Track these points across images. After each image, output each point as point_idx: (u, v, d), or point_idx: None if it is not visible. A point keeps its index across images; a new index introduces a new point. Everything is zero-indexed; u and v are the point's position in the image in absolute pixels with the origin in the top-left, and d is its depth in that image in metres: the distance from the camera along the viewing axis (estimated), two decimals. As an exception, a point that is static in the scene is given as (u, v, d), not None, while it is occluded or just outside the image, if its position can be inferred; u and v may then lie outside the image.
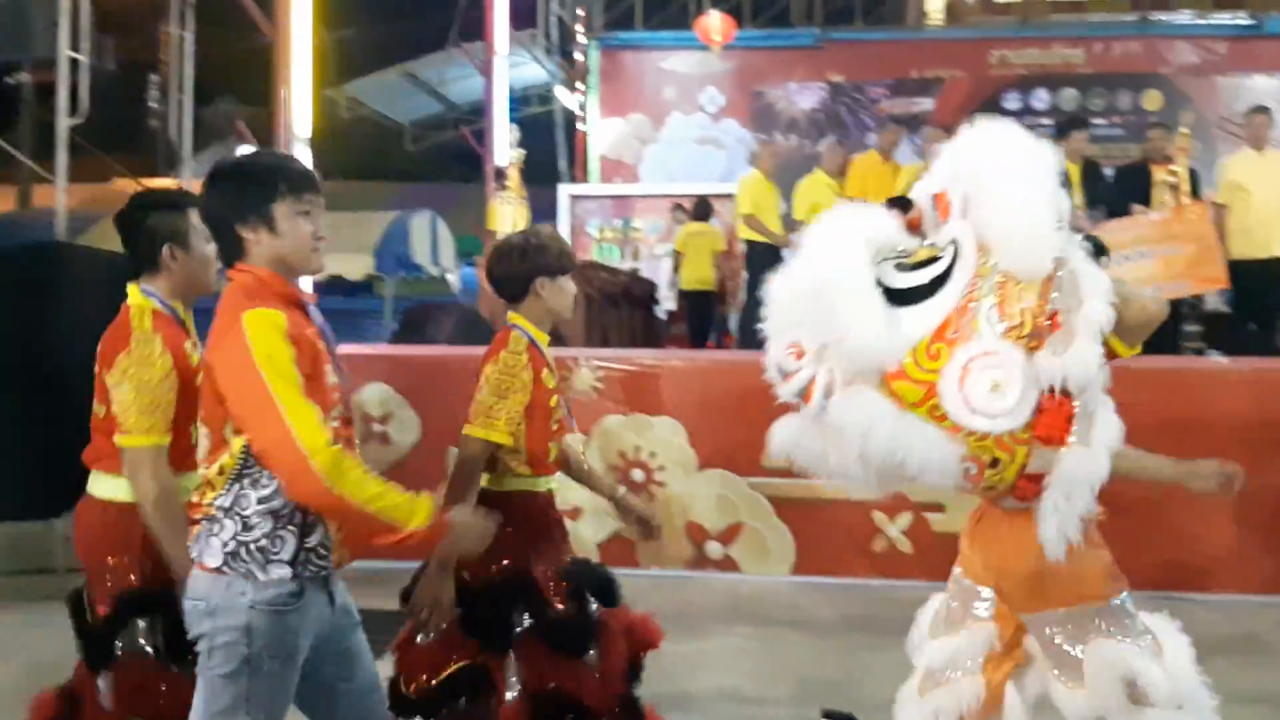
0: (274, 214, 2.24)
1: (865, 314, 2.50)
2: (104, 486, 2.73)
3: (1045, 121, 11.81)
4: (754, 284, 9.05)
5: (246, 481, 2.20)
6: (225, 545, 2.20)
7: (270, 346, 2.12)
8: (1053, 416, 2.47)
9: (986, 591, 2.78)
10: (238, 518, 2.20)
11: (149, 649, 2.65)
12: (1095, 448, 2.52)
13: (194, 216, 2.68)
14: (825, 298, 2.54)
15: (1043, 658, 2.73)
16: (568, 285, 3.03)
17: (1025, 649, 2.78)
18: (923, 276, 2.57)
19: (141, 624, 2.66)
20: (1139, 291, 2.77)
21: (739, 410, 6.03)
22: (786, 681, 3.26)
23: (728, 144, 13.43)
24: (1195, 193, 7.93)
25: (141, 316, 2.66)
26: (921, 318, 2.52)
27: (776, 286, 2.66)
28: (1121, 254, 7.51)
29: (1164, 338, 7.64)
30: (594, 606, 2.99)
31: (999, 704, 2.77)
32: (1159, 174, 7.87)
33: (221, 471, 2.22)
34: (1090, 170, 8.20)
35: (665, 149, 13.99)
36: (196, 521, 2.27)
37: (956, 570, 2.88)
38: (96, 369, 2.70)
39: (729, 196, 9.76)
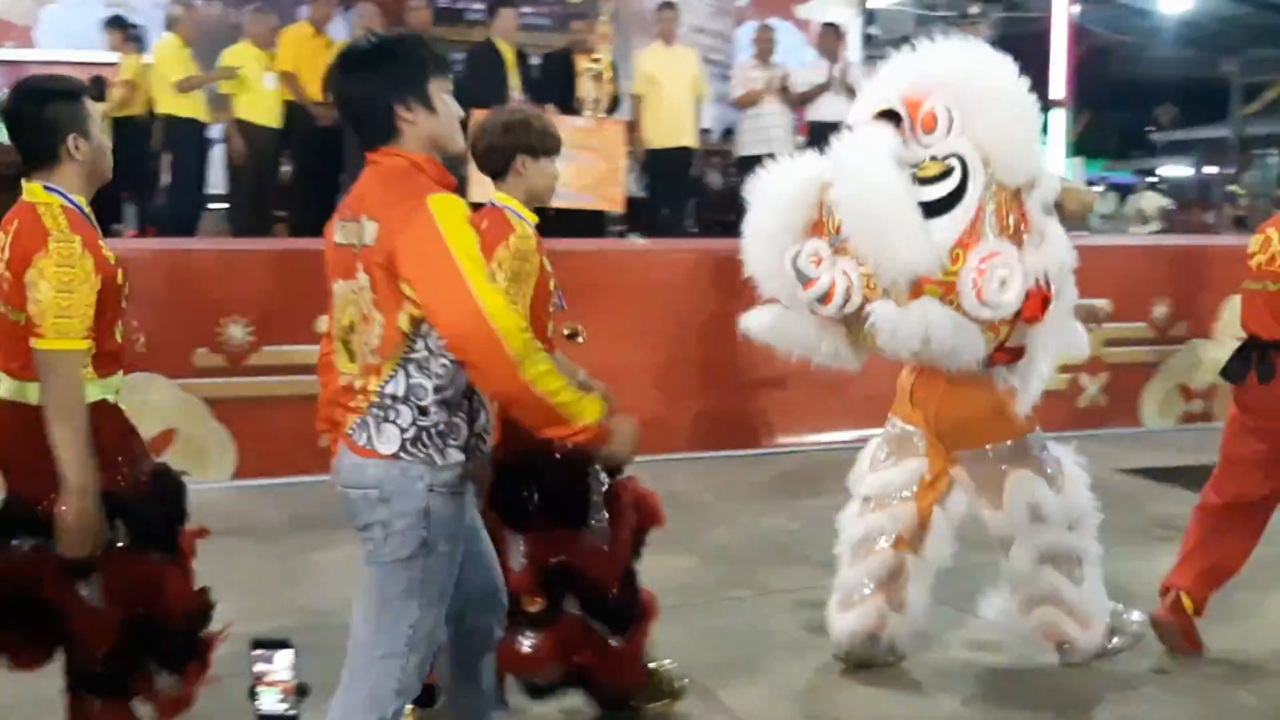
0: (429, 92, 2.21)
1: (915, 233, 2.91)
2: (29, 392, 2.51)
3: (476, 5, 11.88)
4: (178, 165, 8.22)
5: (414, 368, 2.17)
6: (404, 431, 2.17)
7: (460, 231, 2.08)
8: (1035, 301, 2.96)
9: (918, 433, 3.43)
10: (414, 404, 2.18)
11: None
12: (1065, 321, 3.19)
13: (89, 103, 2.59)
14: (875, 218, 2.91)
15: (970, 485, 3.41)
16: (549, 167, 3.00)
17: (951, 478, 3.44)
18: (942, 189, 2.96)
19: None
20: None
21: (166, 306, 5.48)
22: (232, 595, 2.98)
23: (141, 7, 11.95)
24: (615, 80, 8.40)
25: (54, 215, 2.48)
26: (948, 227, 2.94)
27: (773, 194, 3.12)
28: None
29: (593, 222, 8.13)
30: (604, 478, 3.02)
31: (928, 523, 3.44)
32: (583, 63, 8.22)
33: (390, 358, 2.16)
34: (520, 57, 8.34)
35: (65, 10, 12.15)
36: (351, 409, 2.21)
37: (892, 417, 3.53)
38: (5, 272, 2.50)
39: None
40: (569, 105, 8.01)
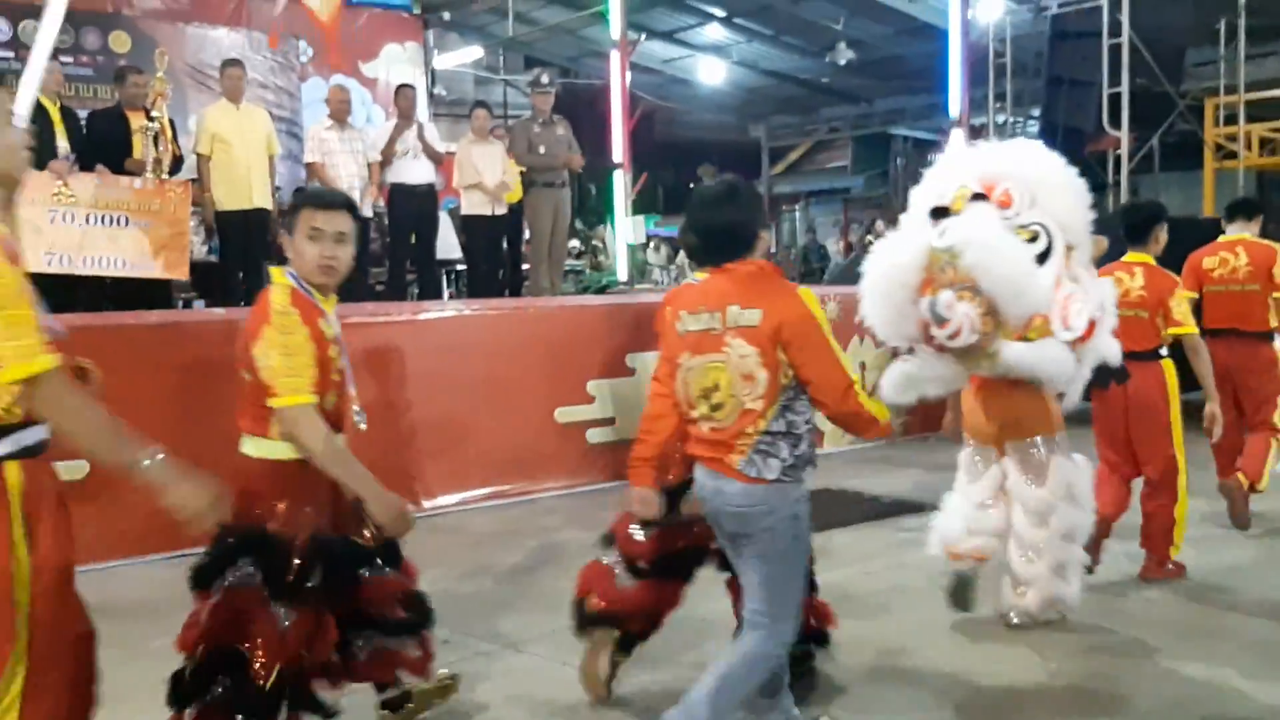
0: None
1: (1040, 280, 3.92)
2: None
3: (3, 54, 10.69)
4: None
5: (788, 411, 3.00)
6: (784, 461, 2.99)
7: (819, 312, 3.00)
8: (1091, 325, 4.05)
9: (986, 450, 4.46)
10: (790, 439, 3.00)
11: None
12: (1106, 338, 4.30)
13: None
14: (1010, 273, 3.83)
15: (1017, 468, 4.36)
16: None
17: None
18: (1037, 249, 3.95)
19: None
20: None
21: None
22: None
23: None
24: (175, 140, 7.85)
25: None
26: (1047, 274, 3.95)
27: (891, 262, 4.01)
28: (96, 213, 7.10)
29: (160, 291, 7.51)
30: None
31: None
32: (137, 121, 7.62)
33: (773, 403, 2.97)
34: (66, 113, 7.58)
35: None
36: (736, 450, 3.00)
37: (966, 436, 4.55)
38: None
39: None
40: (122, 167, 7.40)
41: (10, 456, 2.23)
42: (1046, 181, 4.10)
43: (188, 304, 8.74)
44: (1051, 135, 10.13)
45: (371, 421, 6.15)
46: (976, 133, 10.89)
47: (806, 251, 23.18)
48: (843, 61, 16.09)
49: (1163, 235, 5.16)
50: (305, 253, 3.06)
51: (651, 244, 20.11)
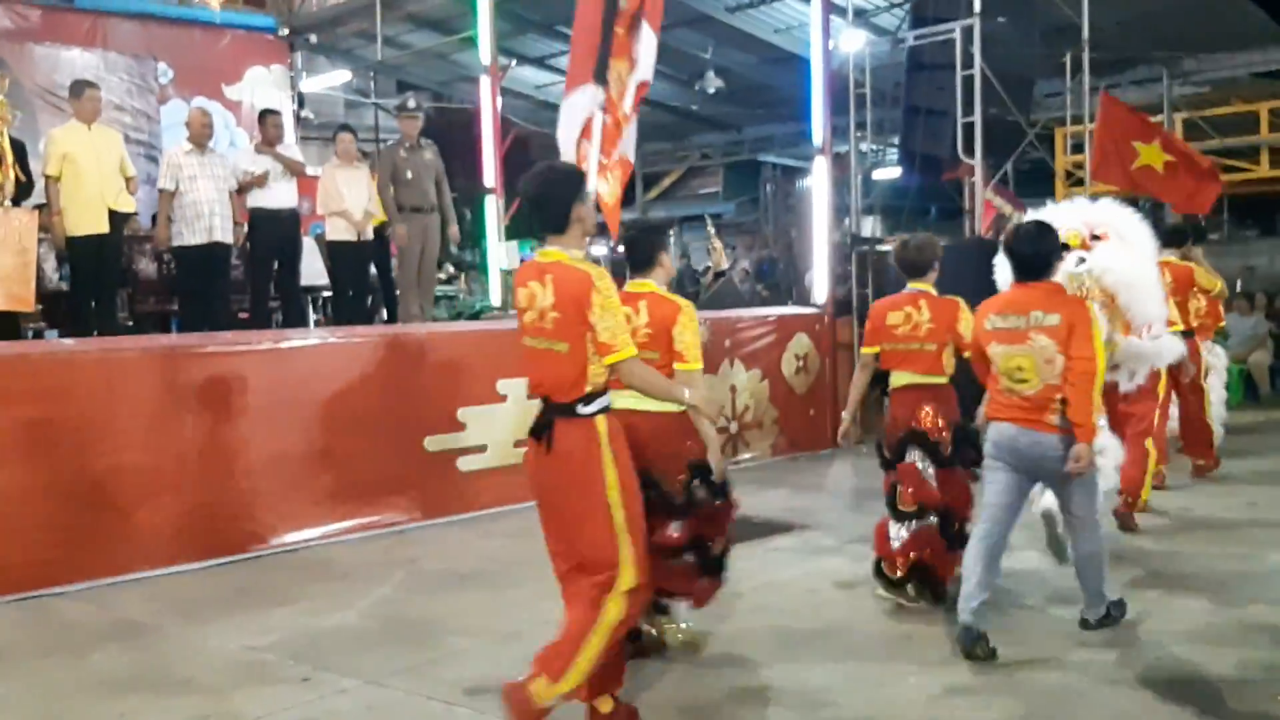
0: None
1: (1158, 295, 5.84)
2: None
3: None
4: None
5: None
6: (1064, 416, 4.42)
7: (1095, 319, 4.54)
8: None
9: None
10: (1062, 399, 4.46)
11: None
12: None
13: None
14: (1145, 290, 5.67)
15: None
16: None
17: None
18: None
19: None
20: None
21: None
22: None
23: None
24: (24, 167, 7.51)
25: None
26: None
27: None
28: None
29: (8, 322, 7.17)
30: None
31: None
32: (-13, 144, 7.27)
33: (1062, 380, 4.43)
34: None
35: None
36: (1050, 409, 4.41)
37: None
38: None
39: None
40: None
41: (600, 411, 3.47)
42: (1134, 229, 5.76)
43: (39, 334, 8.37)
44: (910, 163, 10.48)
45: (231, 453, 6.04)
46: (840, 160, 11.18)
47: (680, 275, 23.42)
48: (712, 90, 16.34)
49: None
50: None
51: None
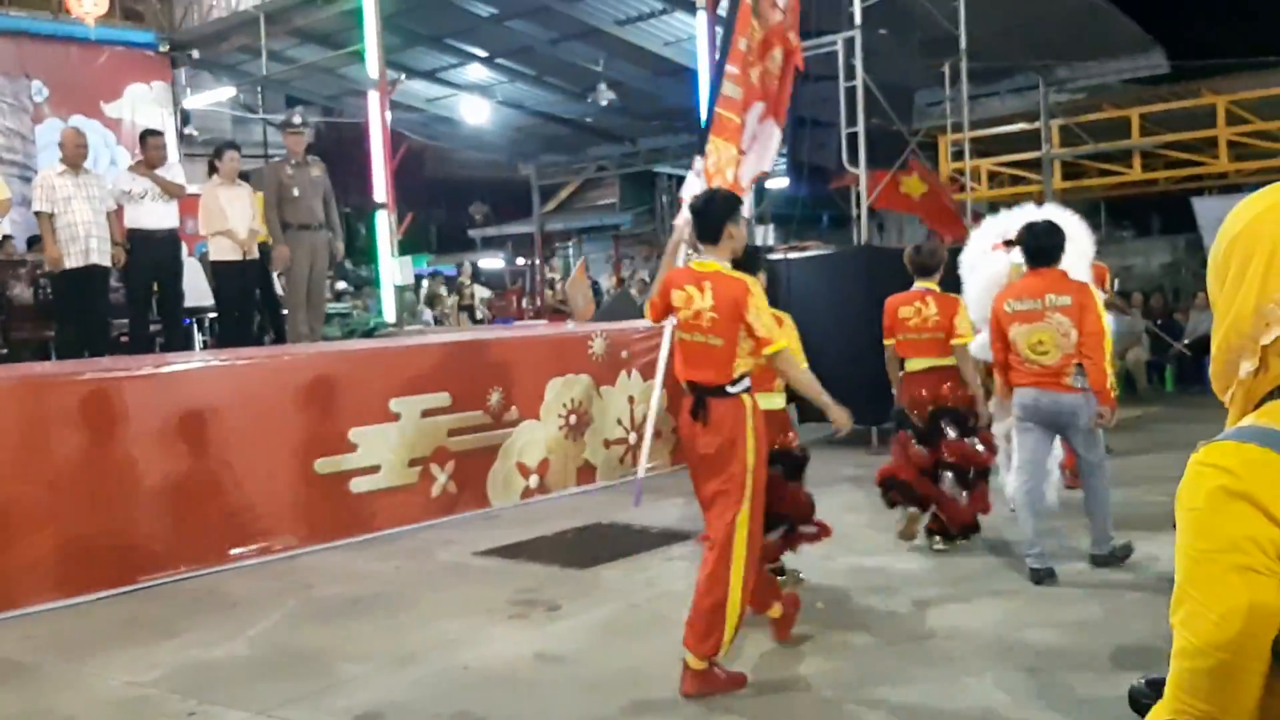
0: None
1: None
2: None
3: None
4: None
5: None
6: (1083, 380, 5.49)
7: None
8: None
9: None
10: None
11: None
12: None
13: None
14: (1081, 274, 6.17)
15: None
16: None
17: None
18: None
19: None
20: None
21: None
22: None
23: None
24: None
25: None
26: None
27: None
28: None
29: None
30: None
31: None
32: None
33: (1074, 350, 5.46)
34: None
35: None
36: (1066, 373, 5.47)
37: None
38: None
39: None
40: None
41: (748, 390, 4.25)
42: (1069, 229, 6.12)
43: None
44: (798, 173, 10.67)
45: (112, 482, 5.85)
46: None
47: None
48: (604, 102, 16.41)
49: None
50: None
51: (426, 283, 19.87)
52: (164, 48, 15.35)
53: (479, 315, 18.30)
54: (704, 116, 7.51)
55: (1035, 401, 5.51)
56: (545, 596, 5.59)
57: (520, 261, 26.99)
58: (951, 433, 6.02)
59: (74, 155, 8.21)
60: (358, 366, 7.41)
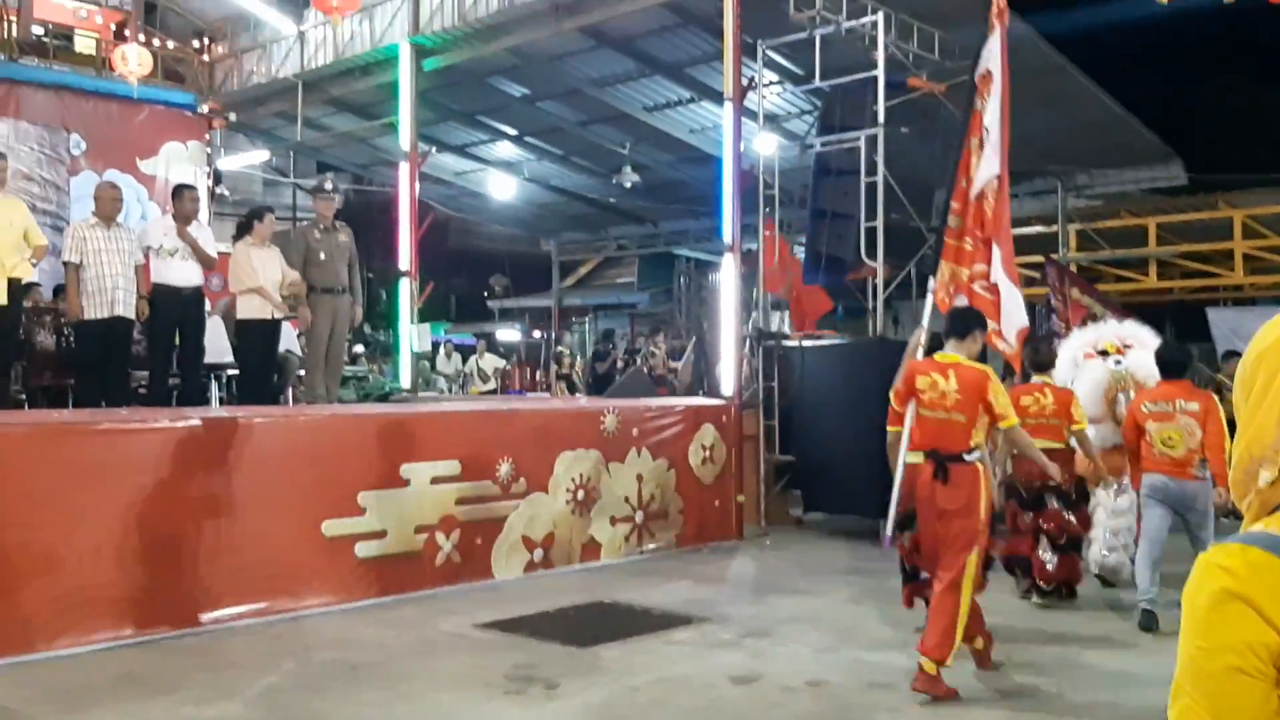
0: None
1: None
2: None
3: None
4: None
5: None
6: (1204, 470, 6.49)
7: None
8: None
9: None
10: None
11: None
12: None
13: None
14: None
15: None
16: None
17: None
18: None
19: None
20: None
21: None
22: None
23: None
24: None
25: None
26: None
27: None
28: None
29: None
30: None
31: None
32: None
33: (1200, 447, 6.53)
34: None
35: None
36: (1195, 464, 6.50)
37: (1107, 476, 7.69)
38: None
39: None
40: None
41: (979, 459, 5.27)
42: (1150, 340, 8.05)
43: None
44: (816, 263, 10.79)
45: (121, 533, 5.87)
46: (749, 257, 11.47)
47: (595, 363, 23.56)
48: (629, 184, 16.69)
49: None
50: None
51: (442, 350, 20.02)
52: (203, 109, 15.72)
53: (576, 384, 18.43)
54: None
55: (1164, 485, 6.54)
56: (543, 674, 5.56)
57: (536, 334, 27.18)
58: (1054, 504, 7.20)
59: (109, 209, 8.38)
60: (371, 430, 7.46)
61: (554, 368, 19.70)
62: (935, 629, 5.10)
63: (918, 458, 5.56)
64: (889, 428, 5.82)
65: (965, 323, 5.59)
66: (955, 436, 5.27)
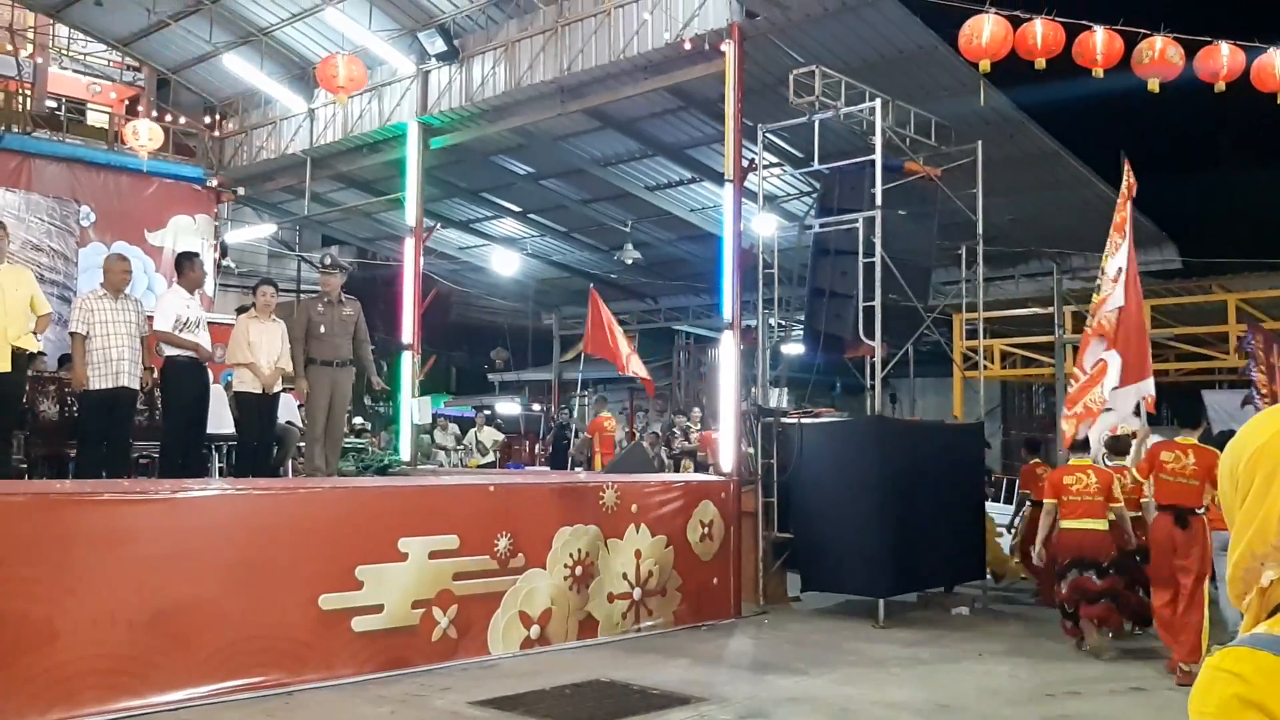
0: None
1: None
2: None
3: None
4: None
5: None
6: None
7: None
8: None
9: None
10: None
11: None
12: None
13: None
14: None
15: None
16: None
17: None
18: None
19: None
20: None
21: None
22: None
23: None
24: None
25: None
26: None
27: None
28: None
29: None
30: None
31: None
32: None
33: None
34: None
35: None
36: None
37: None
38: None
39: None
40: None
41: (1204, 513, 7.76)
42: None
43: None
44: (814, 341, 10.89)
45: (114, 604, 5.85)
46: (748, 333, 11.59)
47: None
48: (630, 261, 16.90)
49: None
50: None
51: (439, 423, 20.05)
52: (211, 183, 15.98)
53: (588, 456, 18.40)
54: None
55: None
56: (538, 752, 5.52)
57: (536, 407, 27.23)
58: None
59: (118, 281, 8.49)
60: (370, 503, 7.49)
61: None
62: (1186, 638, 7.46)
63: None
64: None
65: (1196, 415, 8.11)
66: (1191, 496, 7.65)
